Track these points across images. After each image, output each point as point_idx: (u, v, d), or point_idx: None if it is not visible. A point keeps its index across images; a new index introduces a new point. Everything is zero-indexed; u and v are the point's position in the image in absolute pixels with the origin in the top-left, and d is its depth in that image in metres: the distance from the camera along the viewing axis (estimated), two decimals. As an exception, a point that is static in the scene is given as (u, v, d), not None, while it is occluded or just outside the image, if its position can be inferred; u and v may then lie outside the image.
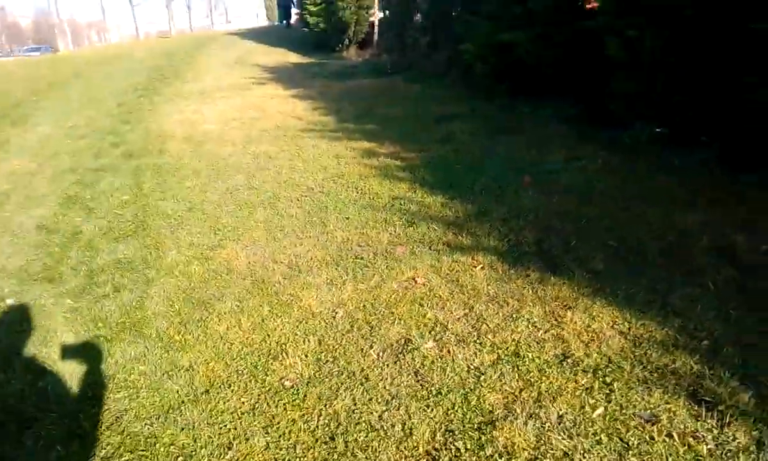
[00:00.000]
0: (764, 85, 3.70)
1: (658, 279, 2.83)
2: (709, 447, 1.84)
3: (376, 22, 12.68)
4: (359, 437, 2.01)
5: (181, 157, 5.78)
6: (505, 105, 6.74)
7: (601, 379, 2.18)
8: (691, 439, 1.87)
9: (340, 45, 14.04)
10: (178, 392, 2.32)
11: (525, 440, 1.93)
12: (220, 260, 3.46)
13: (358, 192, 4.39)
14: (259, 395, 2.27)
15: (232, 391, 2.30)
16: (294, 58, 14.06)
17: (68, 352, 2.66)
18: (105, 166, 5.71)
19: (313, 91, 8.98)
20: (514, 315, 2.64)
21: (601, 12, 5.18)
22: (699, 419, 1.96)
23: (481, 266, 3.12)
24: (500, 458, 1.86)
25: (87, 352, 2.64)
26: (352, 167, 4.99)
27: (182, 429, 2.12)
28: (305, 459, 1.93)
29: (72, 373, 2.52)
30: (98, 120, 8.07)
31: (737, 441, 1.86)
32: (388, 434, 2.01)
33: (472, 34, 7.20)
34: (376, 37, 12.60)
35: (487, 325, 2.59)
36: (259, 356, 2.51)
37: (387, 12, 11.83)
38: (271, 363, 2.45)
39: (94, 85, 11.62)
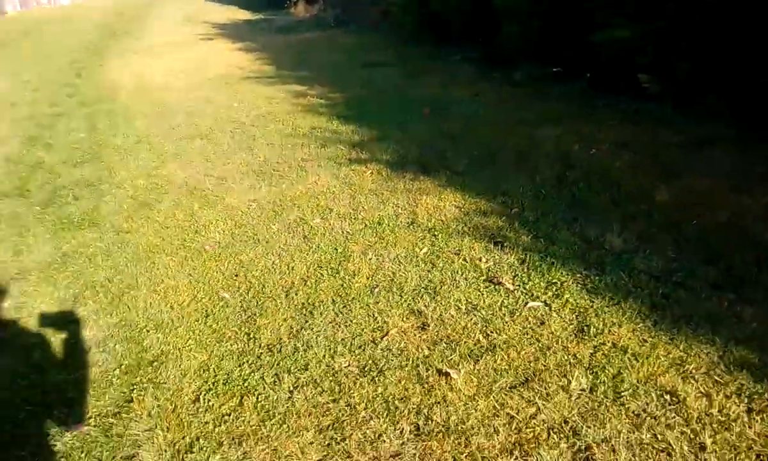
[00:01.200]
0: (608, 25, 4.58)
1: (501, 175, 3.71)
2: (488, 264, 2.74)
3: (323, -21, 13.15)
4: (255, 273, 2.84)
5: (130, 103, 6.43)
6: (427, 53, 7.54)
7: (431, 233, 3.05)
8: (477, 261, 2.76)
9: (289, 2, 14.45)
10: (125, 257, 3.12)
11: (368, 267, 2.79)
12: (161, 176, 4.21)
13: (283, 125, 5.16)
14: (185, 255, 3.08)
15: (165, 254, 3.10)
16: (244, 15, 14.47)
17: (39, 238, 3.41)
18: (61, 112, 6.31)
19: (257, 44, 9.57)
20: (384, 201, 3.49)
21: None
22: (489, 251, 2.85)
23: (371, 172, 3.96)
24: (347, 276, 2.73)
25: (53, 237, 3.40)
26: (282, 106, 5.74)
27: (126, 276, 2.92)
28: (216, 285, 2.76)
29: (43, 250, 3.28)
30: (52, 75, 8.55)
31: (508, 260, 2.75)
32: (276, 271, 2.85)
33: (400, -10, 7.93)
34: (323, -7, 13.10)
35: (363, 208, 3.44)
36: (188, 233, 3.32)
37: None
38: (196, 237, 3.26)
39: (45, 44, 11.90)
